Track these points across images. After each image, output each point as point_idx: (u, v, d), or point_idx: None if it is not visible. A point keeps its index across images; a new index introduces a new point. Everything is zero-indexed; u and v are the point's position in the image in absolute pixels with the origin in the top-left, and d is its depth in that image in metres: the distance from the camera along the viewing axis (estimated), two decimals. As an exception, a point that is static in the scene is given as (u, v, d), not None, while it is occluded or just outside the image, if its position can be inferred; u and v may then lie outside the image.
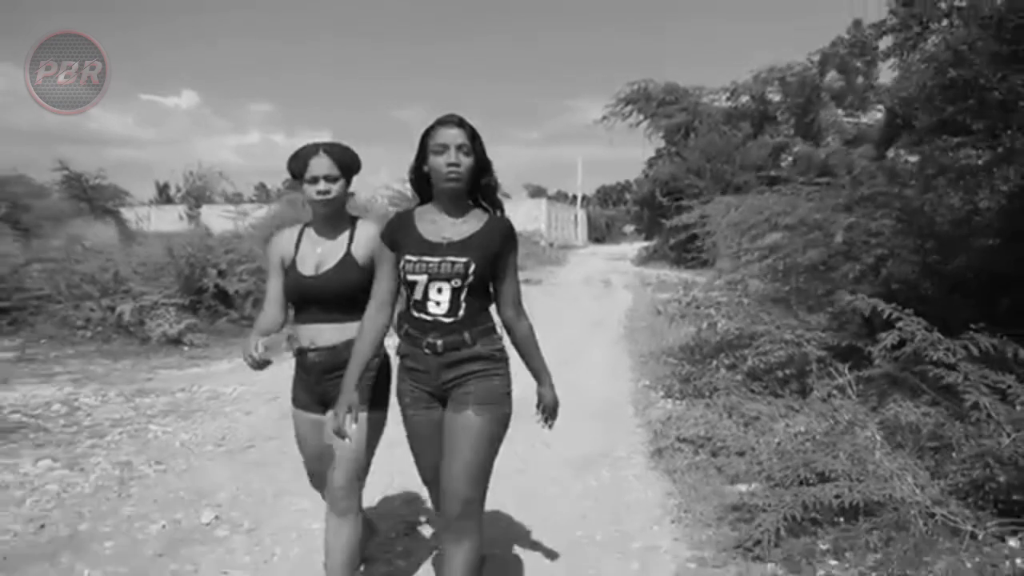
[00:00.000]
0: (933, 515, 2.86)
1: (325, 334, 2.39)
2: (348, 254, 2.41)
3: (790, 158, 22.94)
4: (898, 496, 2.96)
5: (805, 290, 6.17)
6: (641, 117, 29.10)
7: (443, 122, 2.17)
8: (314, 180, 2.38)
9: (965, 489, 3.01)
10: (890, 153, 8.14)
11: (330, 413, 2.24)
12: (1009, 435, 2.97)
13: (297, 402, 2.51)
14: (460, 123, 2.17)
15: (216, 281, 9.91)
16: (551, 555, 3.03)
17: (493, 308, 2.26)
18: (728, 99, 27.38)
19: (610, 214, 64.02)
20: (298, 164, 2.40)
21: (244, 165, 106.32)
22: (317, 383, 2.42)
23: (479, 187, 2.24)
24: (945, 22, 4.46)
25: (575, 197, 57.74)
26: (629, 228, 55.03)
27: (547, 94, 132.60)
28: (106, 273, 9.68)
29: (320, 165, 2.37)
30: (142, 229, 19.92)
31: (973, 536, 2.76)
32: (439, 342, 2.13)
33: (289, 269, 2.45)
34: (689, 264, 16.28)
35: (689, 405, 5.25)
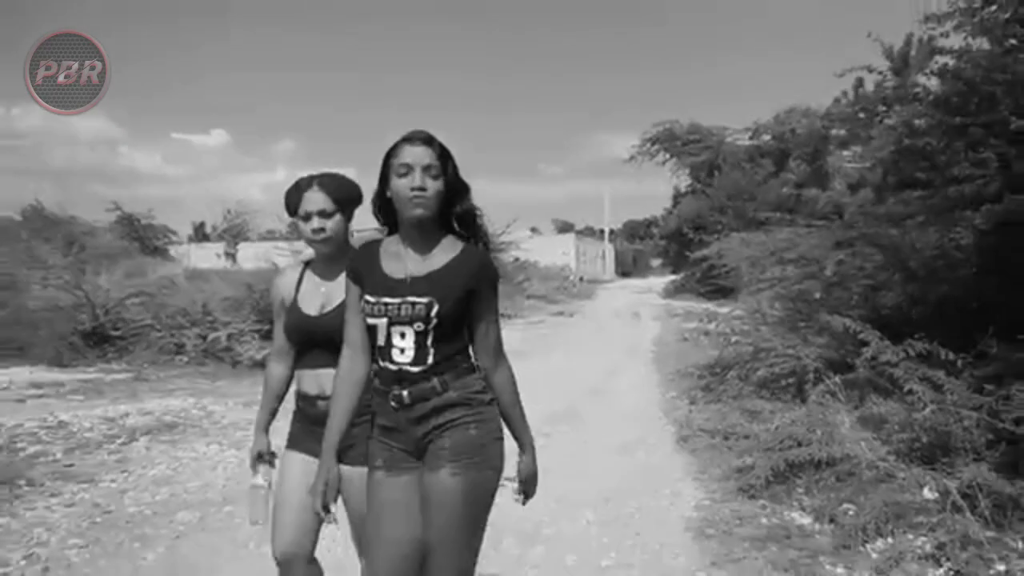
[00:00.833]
0: (876, 467, 4.02)
1: (333, 379, 2.07)
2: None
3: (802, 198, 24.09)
4: (852, 455, 4.13)
5: (807, 314, 7.32)
6: (667, 156, 30.53)
7: (408, 139, 1.88)
8: (307, 217, 2.17)
9: (903, 450, 4.16)
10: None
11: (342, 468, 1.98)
12: (932, 410, 4.12)
13: (298, 445, 2.23)
14: (428, 140, 1.88)
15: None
16: (604, 499, 4.22)
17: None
18: (750, 138, 28.67)
19: (637, 248, 65.28)
20: (293, 199, 2.20)
21: (271, 202, 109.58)
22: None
23: (453, 215, 1.95)
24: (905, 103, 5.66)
25: (602, 231, 59.09)
26: (656, 262, 56.25)
27: (572, 128, 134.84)
28: (195, 305, 11.11)
29: (314, 200, 2.16)
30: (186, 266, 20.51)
31: (902, 479, 3.91)
32: (405, 393, 1.84)
33: (291, 309, 2.25)
34: (713, 296, 17.42)
35: (708, 407, 6.43)
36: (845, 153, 22.04)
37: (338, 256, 2.20)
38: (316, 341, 2.17)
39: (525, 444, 1.96)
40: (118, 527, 3.80)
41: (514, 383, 1.94)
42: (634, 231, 74.23)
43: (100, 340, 10.50)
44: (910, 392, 4.27)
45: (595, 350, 11.81)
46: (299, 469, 2.16)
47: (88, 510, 4.06)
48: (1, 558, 3.38)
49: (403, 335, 1.84)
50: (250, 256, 27.38)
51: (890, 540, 3.37)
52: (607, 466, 4.98)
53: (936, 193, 5.24)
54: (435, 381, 1.84)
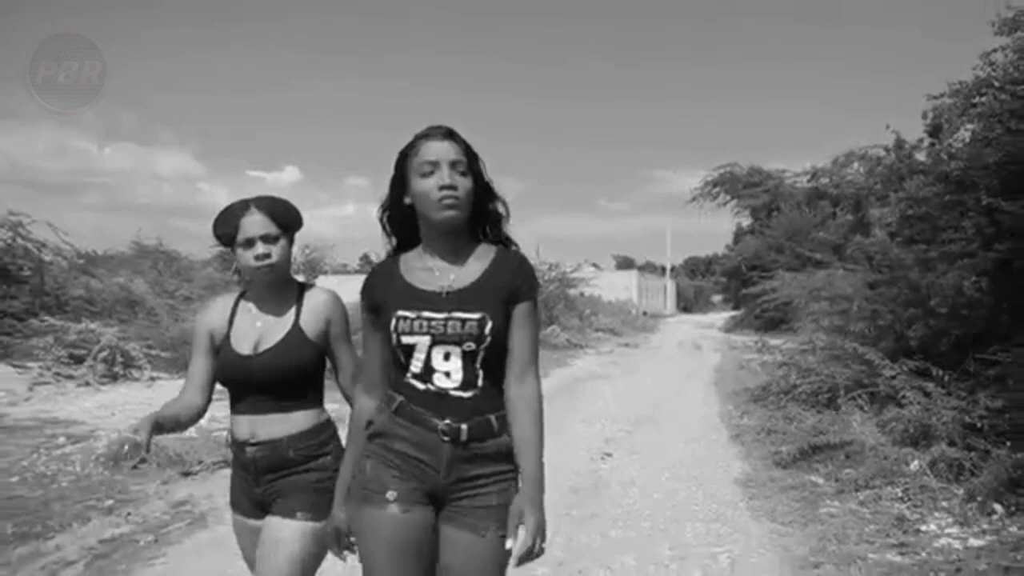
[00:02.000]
0: (874, 448, 5.61)
1: (267, 425, 2.00)
2: (296, 327, 2.02)
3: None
4: (860, 440, 5.73)
5: (840, 345, 8.87)
6: (728, 197, 32.06)
7: (427, 135, 1.68)
8: (249, 243, 1.98)
9: (896, 437, 5.75)
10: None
11: (269, 519, 1.97)
12: (919, 409, 5.71)
13: (237, 507, 2.11)
14: (450, 134, 1.68)
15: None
16: (676, 466, 5.90)
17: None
18: (808, 181, 29.94)
19: (698, 284, 66.24)
20: (227, 226, 2.00)
21: (341, 236, 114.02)
22: (256, 483, 2.02)
23: (483, 217, 1.74)
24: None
25: (664, 268, 60.36)
26: (717, 298, 57.29)
27: (635, 164, 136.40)
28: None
29: (254, 224, 1.98)
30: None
31: (893, 455, 5.50)
32: (464, 428, 1.61)
33: (222, 347, 2.05)
34: (768, 329, 18.81)
35: (756, 414, 8.07)
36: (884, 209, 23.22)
37: (281, 288, 2.06)
38: (252, 385, 1.99)
39: (531, 477, 1.60)
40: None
41: (540, 401, 1.67)
42: (695, 267, 75.17)
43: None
44: (903, 397, 5.87)
45: (662, 375, 13.44)
46: (248, 540, 2.09)
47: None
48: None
49: (447, 356, 1.62)
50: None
51: (874, 490, 4.98)
52: (678, 450, 6.66)
53: (937, 248, 6.81)
54: (492, 418, 1.64)
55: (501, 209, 1.77)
